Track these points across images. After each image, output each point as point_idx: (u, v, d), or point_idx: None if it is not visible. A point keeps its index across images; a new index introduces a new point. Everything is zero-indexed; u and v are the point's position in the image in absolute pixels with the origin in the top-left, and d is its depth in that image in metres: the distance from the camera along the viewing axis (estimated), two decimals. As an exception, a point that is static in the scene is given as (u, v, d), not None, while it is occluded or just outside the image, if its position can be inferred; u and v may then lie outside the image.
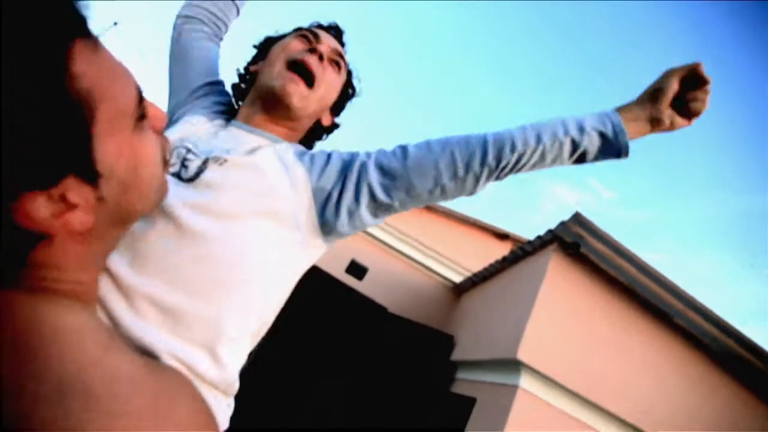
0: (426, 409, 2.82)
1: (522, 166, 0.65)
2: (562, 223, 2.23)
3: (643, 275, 2.18)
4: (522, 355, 2.00)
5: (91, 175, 0.32)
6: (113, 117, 0.33)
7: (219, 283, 0.54)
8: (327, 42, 0.73)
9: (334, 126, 0.83)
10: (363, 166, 0.64)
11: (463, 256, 4.18)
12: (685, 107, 0.64)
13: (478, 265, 3.66)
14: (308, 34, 0.73)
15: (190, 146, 0.61)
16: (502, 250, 3.97)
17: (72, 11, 0.31)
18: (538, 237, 2.48)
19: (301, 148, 0.71)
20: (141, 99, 0.38)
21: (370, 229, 4.14)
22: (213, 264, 0.54)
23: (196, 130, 0.66)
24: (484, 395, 2.32)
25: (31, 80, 0.27)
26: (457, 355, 2.95)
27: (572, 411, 2.04)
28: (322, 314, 3.62)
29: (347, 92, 0.81)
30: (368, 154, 0.67)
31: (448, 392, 2.86)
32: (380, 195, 0.63)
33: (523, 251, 2.71)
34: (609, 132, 0.64)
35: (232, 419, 0.57)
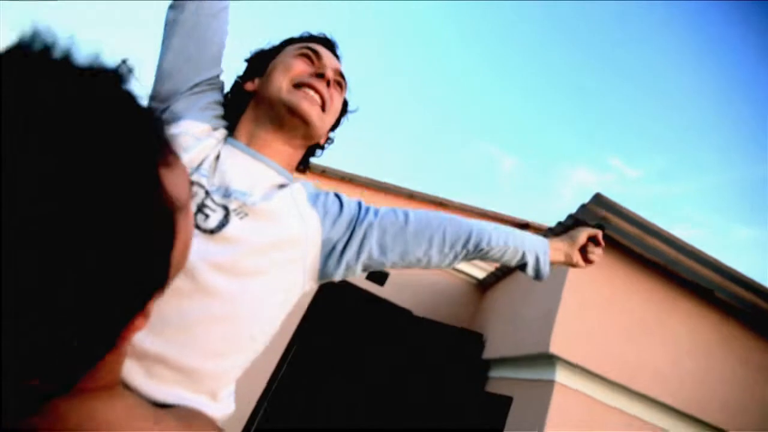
0: (461, 411, 2.74)
1: (485, 255, 0.79)
2: (583, 206, 2.13)
3: (676, 251, 2.06)
4: (555, 348, 1.91)
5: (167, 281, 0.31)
6: (183, 220, 0.31)
7: (233, 342, 0.56)
8: (329, 62, 0.72)
9: (329, 141, 0.83)
10: (370, 227, 0.69)
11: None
12: (586, 255, 0.90)
13: (500, 259, 3.56)
14: (309, 53, 0.71)
15: (205, 184, 0.58)
16: (524, 240, 3.86)
17: (154, 127, 0.28)
18: (559, 223, 2.38)
19: (312, 188, 0.71)
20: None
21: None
22: (229, 323, 0.55)
23: (202, 148, 0.62)
24: (521, 393, 2.23)
25: (146, 216, 0.25)
26: (488, 353, 2.86)
27: (616, 403, 1.93)
28: (347, 324, 3.59)
29: (345, 109, 0.82)
30: (375, 214, 0.72)
31: (483, 392, 2.77)
32: (377, 255, 0.69)
33: (544, 239, 2.62)
34: (542, 261, 0.82)
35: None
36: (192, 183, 0.53)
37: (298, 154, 0.73)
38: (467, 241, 0.75)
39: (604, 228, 2.03)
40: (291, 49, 0.73)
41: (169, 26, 0.69)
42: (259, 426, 3.20)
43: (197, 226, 0.55)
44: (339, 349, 3.47)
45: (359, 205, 0.73)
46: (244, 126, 0.69)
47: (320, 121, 0.68)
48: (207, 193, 0.58)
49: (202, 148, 0.62)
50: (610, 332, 2.02)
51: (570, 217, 2.25)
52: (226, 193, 0.58)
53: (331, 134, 0.83)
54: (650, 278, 2.16)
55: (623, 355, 1.98)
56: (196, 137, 0.63)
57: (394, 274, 3.98)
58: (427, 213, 0.77)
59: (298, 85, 0.67)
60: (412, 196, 4.43)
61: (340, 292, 3.78)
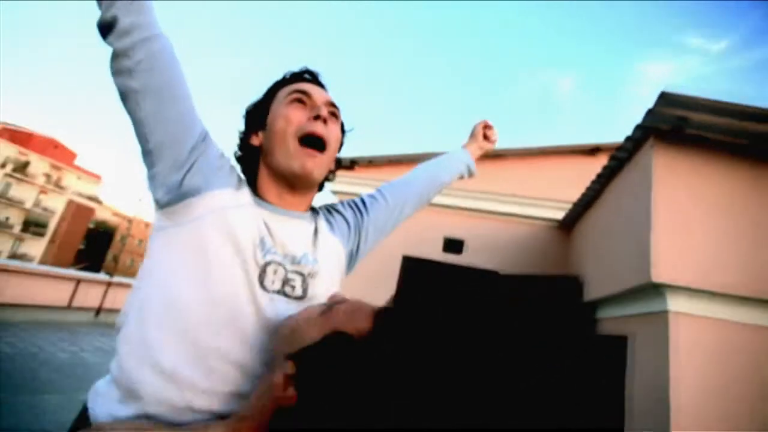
0: (575, 359, 2.61)
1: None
2: (650, 111, 1.84)
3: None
4: (658, 275, 1.70)
5: None
6: None
7: None
8: (319, 98, 0.78)
9: (338, 164, 0.89)
10: (368, 223, 0.91)
11: (558, 189, 3.79)
12: (487, 138, 1.22)
13: (578, 193, 3.28)
14: (300, 96, 0.77)
15: (281, 261, 0.71)
16: (599, 165, 3.48)
17: None
18: (628, 138, 2.10)
19: (325, 213, 0.87)
20: None
21: (450, 200, 4.01)
22: None
23: (248, 219, 0.70)
24: (635, 330, 2.05)
25: None
26: (589, 294, 2.67)
27: (751, 318, 1.68)
28: (436, 300, 3.62)
29: (343, 130, 0.88)
30: (367, 210, 0.92)
31: (594, 335, 2.61)
32: (376, 238, 0.96)
33: (616, 159, 2.33)
34: (471, 166, 1.15)
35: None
36: (269, 264, 0.69)
37: (315, 192, 0.84)
38: (431, 190, 1.05)
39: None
40: (282, 96, 0.78)
41: (132, 92, 0.63)
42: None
43: (286, 295, 0.70)
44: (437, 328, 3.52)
45: (354, 210, 0.91)
46: (268, 186, 0.76)
47: (320, 170, 0.76)
48: (284, 268, 0.71)
49: (248, 218, 0.70)
50: (722, 242, 1.74)
51: (639, 128, 1.97)
52: (294, 261, 0.72)
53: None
54: (754, 170, 1.81)
55: (748, 264, 1.70)
56: (236, 206, 0.70)
57: (469, 240, 3.89)
58: (394, 183, 1.00)
59: (303, 139, 0.74)
60: (464, 157, 4.25)
61: (421, 271, 3.81)
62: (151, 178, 0.67)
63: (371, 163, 4.47)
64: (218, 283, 0.64)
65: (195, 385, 0.60)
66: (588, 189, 2.82)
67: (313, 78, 0.83)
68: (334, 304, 0.59)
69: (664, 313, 1.74)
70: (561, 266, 3.54)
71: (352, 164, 4.55)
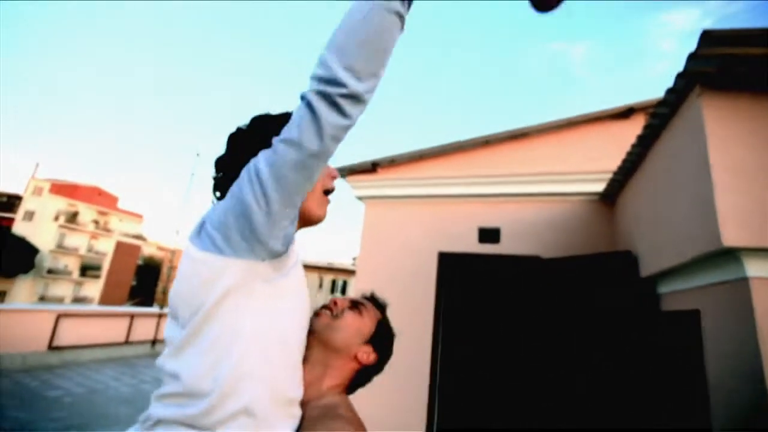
0: (645, 341, 2.38)
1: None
2: (692, 56, 1.63)
3: None
4: (730, 238, 1.49)
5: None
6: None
7: None
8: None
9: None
10: None
11: (592, 160, 3.53)
12: None
13: (615, 161, 3.03)
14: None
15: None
16: (635, 128, 3.21)
17: None
18: (670, 90, 1.88)
19: None
20: None
21: (479, 189, 3.84)
22: None
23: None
24: (709, 302, 1.82)
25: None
26: (646, 269, 2.43)
27: None
28: (481, 294, 3.46)
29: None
30: None
31: (659, 312, 2.37)
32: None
33: (658, 117, 2.11)
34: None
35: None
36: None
37: None
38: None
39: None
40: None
41: (328, 155, 0.69)
42: (442, 419, 3.27)
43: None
44: (486, 322, 3.36)
45: None
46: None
47: None
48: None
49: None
50: (803, 190, 1.50)
51: (681, 76, 1.76)
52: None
53: None
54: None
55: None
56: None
57: (505, 227, 3.70)
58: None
59: (326, 192, 0.90)
60: (487, 142, 4.07)
61: (462, 265, 3.66)
62: (276, 232, 0.70)
63: (393, 162, 4.38)
64: (306, 317, 0.86)
65: (299, 399, 0.78)
66: (628, 154, 2.58)
67: None
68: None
69: (743, 281, 1.52)
70: (607, 243, 3.28)
71: (374, 167, 4.46)
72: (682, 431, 1.93)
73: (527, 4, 0.72)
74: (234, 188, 0.70)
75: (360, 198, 4.47)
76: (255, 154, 0.71)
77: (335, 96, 0.63)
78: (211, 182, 0.86)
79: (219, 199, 0.83)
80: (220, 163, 0.84)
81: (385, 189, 4.29)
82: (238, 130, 0.86)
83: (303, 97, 0.66)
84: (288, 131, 0.66)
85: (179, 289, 0.70)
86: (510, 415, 2.98)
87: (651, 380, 2.24)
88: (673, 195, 2.03)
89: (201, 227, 0.73)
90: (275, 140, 0.68)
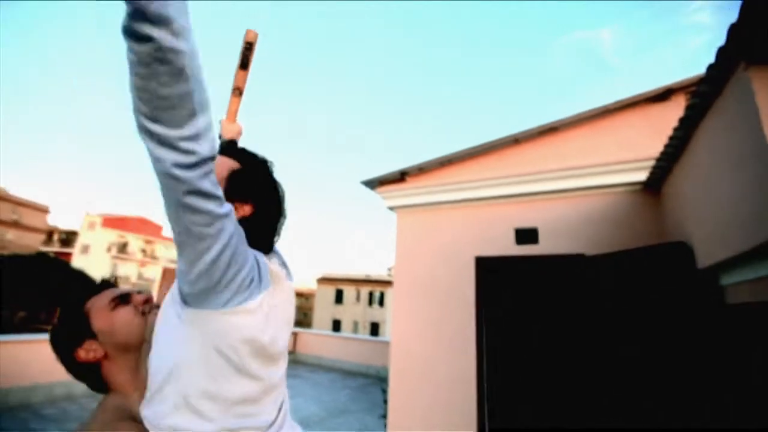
0: (706, 336, 2.20)
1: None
2: (734, 27, 1.53)
3: None
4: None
5: (92, 335, 0.87)
6: (96, 314, 0.88)
7: None
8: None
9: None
10: None
11: (631, 148, 3.36)
12: None
13: (656, 147, 2.86)
14: None
15: None
16: (675, 110, 3.03)
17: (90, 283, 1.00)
18: (711, 66, 1.76)
19: None
20: (115, 296, 0.92)
21: (512, 189, 3.74)
22: None
23: None
24: (780, 290, 1.66)
25: (72, 323, 0.88)
26: (705, 259, 2.26)
27: None
28: (525, 298, 3.34)
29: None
30: None
31: (724, 306, 2.18)
32: None
33: (701, 96, 1.97)
34: None
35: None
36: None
37: None
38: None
39: None
40: None
41: None
42: (493, 423, 3.15)
43: None
44: (531, 325, 3.23)
45: None
46: None
47: None
48: None
49: None
50: None
51: (723, 50, 1.64)
52: None
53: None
54: None
55: None
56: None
57: (543, 226, 3.57)
58: None
59: None
60: (517, 140, 3.97)
61: (501, 268, 3.56)
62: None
63: (422, 170, 4.36)
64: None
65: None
66: (671, 138, 2.43)
67: None
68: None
69: (820, 264, 1.37)
70: (656, 234, 3.08)
71: (402, 176, 4.46)
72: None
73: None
74: None
75: (391, 208, 4.47)
76: None
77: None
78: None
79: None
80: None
81: (416, 197, 4.27)
82: None
83: None
84: None
85: None
86: (562, 415, 2.82)
87: (720, 379, 2.05)
88: (729, 176, 1.88)
89: None
90: None
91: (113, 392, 0.86)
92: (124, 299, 0.92)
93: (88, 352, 0.85)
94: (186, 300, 0.73)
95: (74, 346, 0.85)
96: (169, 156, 0.61)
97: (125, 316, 0.89)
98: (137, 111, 0.60)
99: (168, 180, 0.62)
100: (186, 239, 0.67)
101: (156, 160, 0.61)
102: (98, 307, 0.88)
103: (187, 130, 0.62)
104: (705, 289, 2.28)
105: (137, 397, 0.83)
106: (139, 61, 0.56)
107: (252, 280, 0.77)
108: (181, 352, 0.73)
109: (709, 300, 2.26)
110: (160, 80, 0.57)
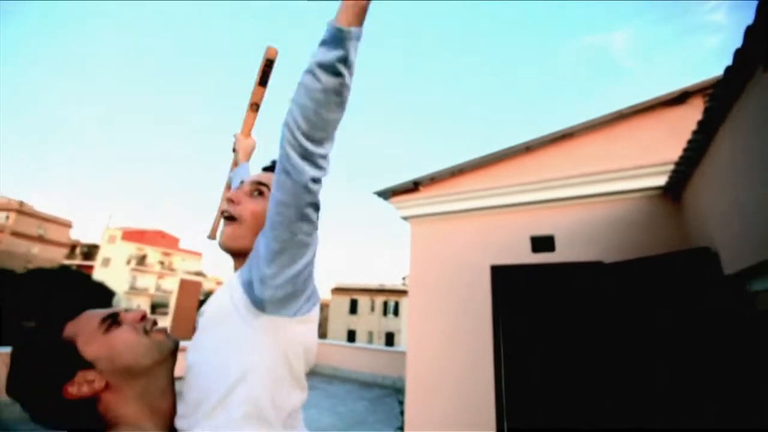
0: (745, 345, 2.12)
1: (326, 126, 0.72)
2: (750, 29, 1.50)
3: None
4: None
5: (87, 365, 0.72)
6: (87, 339, 0.74)
7: None
8: (245, 184, 0.98)
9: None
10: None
11: (648, 152, 3.30)
12: None
13: (674, 150, 2.81)
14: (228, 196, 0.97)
15: None
16: (692, 113, 2.97)
17: (72, 300, 1.03)
18: (729, 69, 1.73)
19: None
20: (105, 317, 0.78)
21: (527, 197, 3.70)
22: None
23: None
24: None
25: (55, 354, 0.71)
26: (732, 265, 2.19)
27: None
28: (543, 307, 3.28)
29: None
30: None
31: (757, 312, 2.10)
32: None
33: (718, 100, 1.93)
34: (325, 35, 0.69)
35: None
36: None
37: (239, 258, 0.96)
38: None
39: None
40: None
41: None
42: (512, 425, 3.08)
43: None
44: (553, 337, 3.17)
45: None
46: None
47: (229, 240, 0.93)
48: None
49: None
50: None
51: (740, 52, 1.61)
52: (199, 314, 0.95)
53: None
54: None
55: None
56: None
57: (559, 233, 3.52)
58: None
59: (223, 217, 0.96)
60: (528, 148, 3.94)
61: (516, 277, 3.51)
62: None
63: (434, 179, 4.36)
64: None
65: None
66: (690, 142, 2.38)
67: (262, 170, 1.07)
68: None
69: None
70: (677, 240, 3.00)
71: (415, 185, 4.47)
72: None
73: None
74: None
75: (405, 218, 4.47)
76: None
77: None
78: None
79: None
80: None
81: (429, 207, 4.27)
82: None
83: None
84: None
85: None
86: (580, 416, 2.74)
87: (755, 388, 1.97)
88: (754, 179, 1.83)
89: None
90: None
91: (117, 429, 0.71)
92: (114, 319, 0.78)
93: (81, 385, 0.70)
94: (263, 306, 0.74)
95: (62, 382, 0.69)
96: (309, 170, 0.70)
97: (126, 336, 0.76)
98: (296, 127, 0.69)
99: (301, 190, 0.70)
100: (288, 246, 0.72)
101: (298, 172, 0.69)
102: (87, 332, 0.74)
103: (325, 150, 0.72)
104: (736, 296, 2.21)
105: (151, 426, 0.74)
106: (323, 89, 0.67)
107: (314, 291, 0.82)
108: (254, 358, 0.73)
109: (742, 307, 2.18)
110: (330, 107, 0.69)
